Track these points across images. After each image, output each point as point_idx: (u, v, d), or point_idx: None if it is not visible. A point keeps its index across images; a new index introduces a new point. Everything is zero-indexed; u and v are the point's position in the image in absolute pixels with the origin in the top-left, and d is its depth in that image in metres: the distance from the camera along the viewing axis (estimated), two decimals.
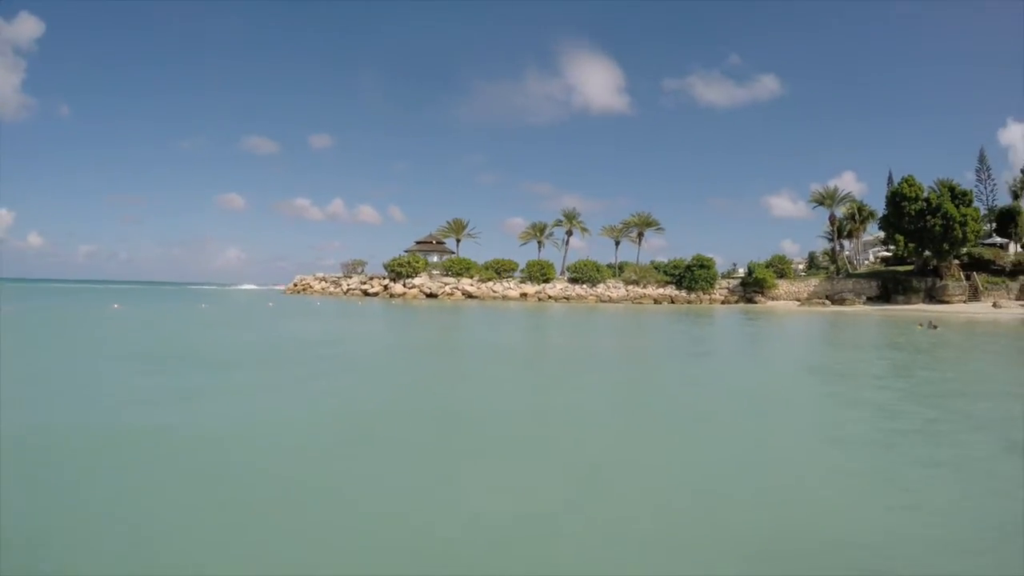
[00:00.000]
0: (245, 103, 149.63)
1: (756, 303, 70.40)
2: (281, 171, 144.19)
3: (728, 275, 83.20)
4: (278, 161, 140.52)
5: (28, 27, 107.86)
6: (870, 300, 65.10)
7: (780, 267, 74.62)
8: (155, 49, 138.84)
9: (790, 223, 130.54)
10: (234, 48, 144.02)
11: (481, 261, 79.22)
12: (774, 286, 72.04)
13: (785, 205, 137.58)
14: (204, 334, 25.14)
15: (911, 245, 61.60)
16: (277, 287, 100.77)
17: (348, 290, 77.48)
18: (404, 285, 74.67)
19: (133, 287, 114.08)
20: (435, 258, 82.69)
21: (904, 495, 6.37)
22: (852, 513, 5.80)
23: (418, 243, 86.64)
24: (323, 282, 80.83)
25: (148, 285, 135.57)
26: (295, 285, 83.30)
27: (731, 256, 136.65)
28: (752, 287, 72.78)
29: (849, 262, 75.95)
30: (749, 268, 74.63)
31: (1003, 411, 10.93)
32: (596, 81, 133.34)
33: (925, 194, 60.77)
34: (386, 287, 75.33)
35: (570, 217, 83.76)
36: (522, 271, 77.58)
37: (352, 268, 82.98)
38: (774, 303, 69.64)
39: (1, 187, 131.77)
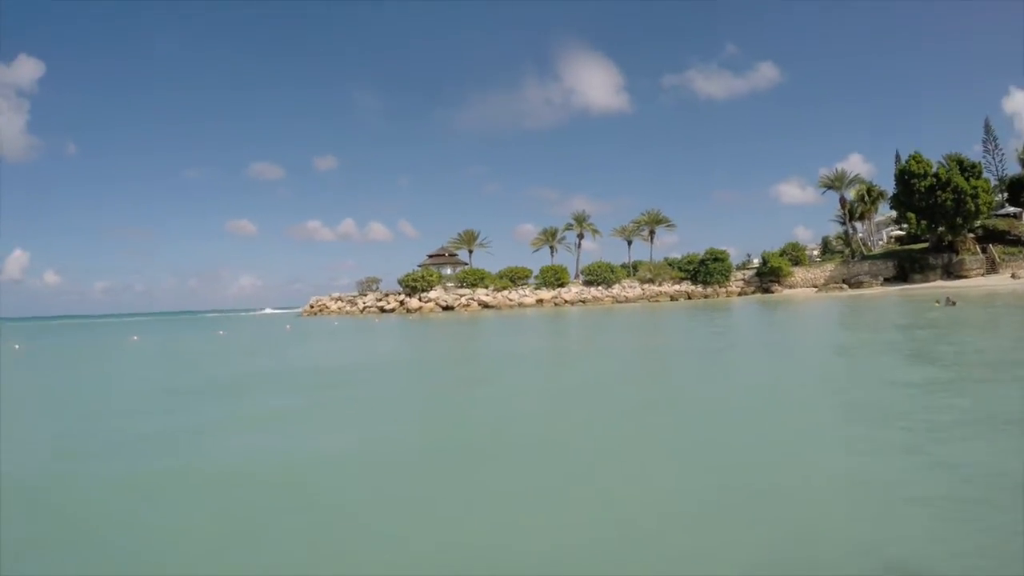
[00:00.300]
0: (248, 130, 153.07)
1: (773, 292, 71.45)
2: (289, 195, 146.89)
3: (743, 266, 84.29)
4: (285, 185, 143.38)
5: (28, 68, 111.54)
6: (887, 281, 65.81)
7: (794, 254, 75.53)
8: (155, 82, 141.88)
9: (801, 209, 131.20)
10: (232, 76, 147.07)
11: (495, 270, 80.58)
12: (790, 274, 72.94)
13: (794, 192, 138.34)
14: (223, 362, 25.36)
15: (923, 222, 62.19)
16: (294, 310, 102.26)
17: (364, 308, 78.94)
18: (420, 299, 75.94)
19: (150, 319, 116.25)
20: (449, 270, 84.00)
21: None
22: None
23: (431, 257, 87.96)
24: (339, 302, 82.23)
25: (165, 316, 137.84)
26: (311, 307, 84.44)
27: (745, 247, 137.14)
28: (768, 276, 73.69)
29: (863, 244, 76.62)
30: (763, 258, 75.70)
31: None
32: (594, 82, 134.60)
33: (934, 170, 61.52)
34: (402, 302, 76.62)
35: (580, 220, 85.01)
36: (536, 277, 78.78)
37: (367, 286, 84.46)
38: (791, 291, 70.54)
39: (15, 228, 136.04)
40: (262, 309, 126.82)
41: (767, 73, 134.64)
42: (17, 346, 38.50)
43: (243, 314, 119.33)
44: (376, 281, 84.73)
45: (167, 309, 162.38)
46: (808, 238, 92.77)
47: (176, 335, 51.05)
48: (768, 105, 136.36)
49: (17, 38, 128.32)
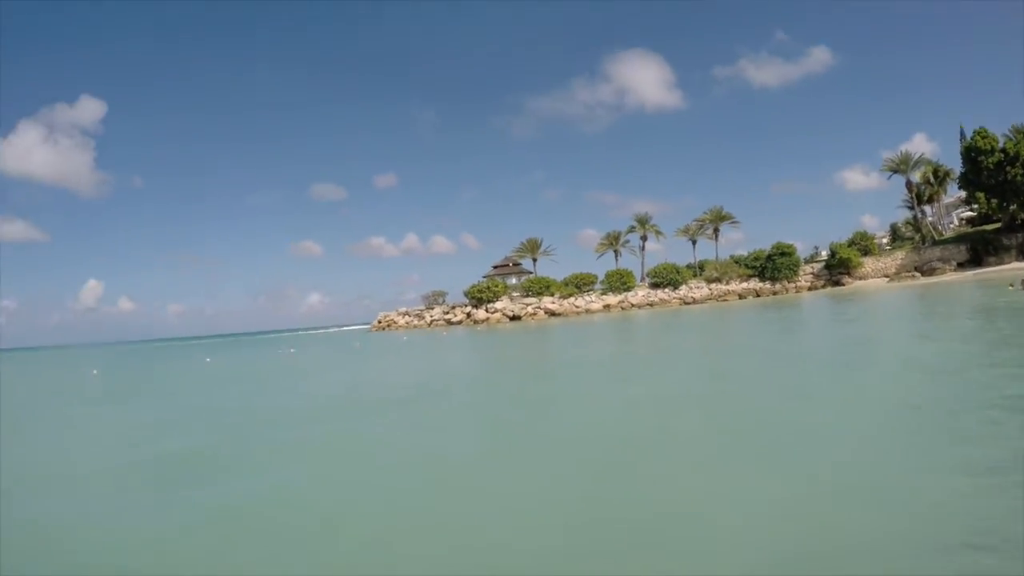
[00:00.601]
0: (308, 153, 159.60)
1: (843, 285, 71.64)
2: (352, 214, 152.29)
3: (811, 259, 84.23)
4: (348, 205, 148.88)
5: (91, 108, 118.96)
6: (960, 266, 65.16)
7: (863, 244, 75.45)
8: (213, 112, 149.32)
9: (867, 196, 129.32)
10: (288, 100, 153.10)
11: (560, 277, 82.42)
12: (859, 264, 72.95)
13: (858, 179, 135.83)
14: (293, 382, 25.09)
15: (994, 201, 61.62)
16: (362, 326, 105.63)
17: (432, 321, 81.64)
18: (486, 310, 78.21)
19: (223, 340, 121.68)
20: (514, 280, 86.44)
21: None
22: None
23: (495, 267, 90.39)
24: (406, 316, 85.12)
25: (236, 336, 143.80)
26: (379, 322, 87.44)
27: (812, 240, 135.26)
28: (837, 269, 73.82)
29: (934, 228, 75.87)
30: (831, 249, 75.69)
31: None
32: (646, 80, 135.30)
33: (1001, 144, 60.47)
34: (469, 314, 79.06)
35: (642, 222, 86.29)
36: (602, 282, 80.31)
37: (433, 299, 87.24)
38: (862, 282, 70.71)
39: (89, 260, 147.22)
40: (331, 327, 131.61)
41: (820, 57, 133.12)
42: (95, 371, 41.00)
43: (311, 332, 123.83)
44: (442, 294, 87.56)
45: (238, 330, 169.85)
46: (875, 226, 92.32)
47: (247, 355, 52.92)
48: (824, 90, 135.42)
49: (79, 80, 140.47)
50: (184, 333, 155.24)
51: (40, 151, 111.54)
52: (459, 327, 74.10)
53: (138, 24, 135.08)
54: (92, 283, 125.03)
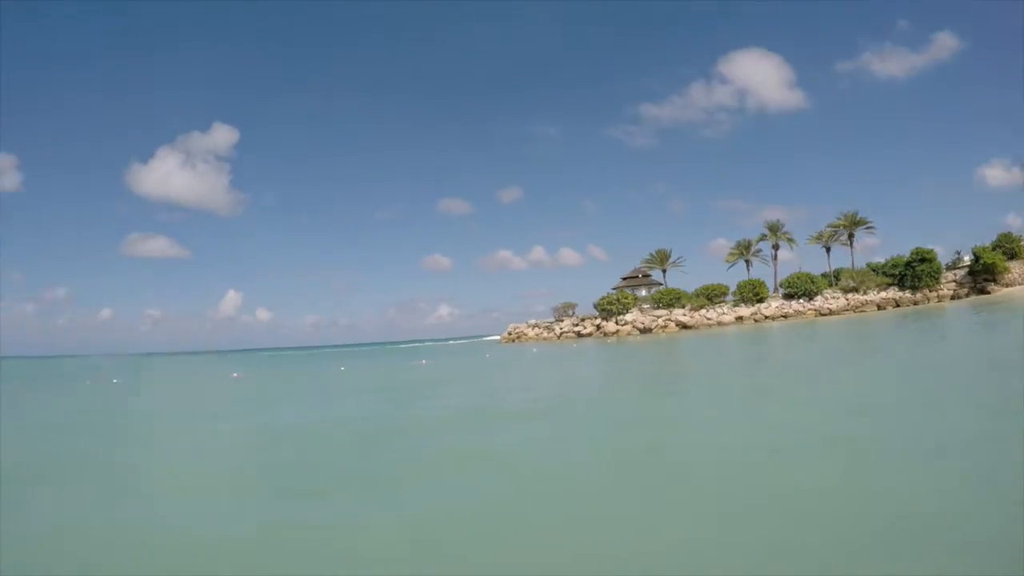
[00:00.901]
0: (434, 169, 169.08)
1: (989, 293, 69.62)
2: (478, 228, 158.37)
3: (953, 266, 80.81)
4: (474, 219, 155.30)
5: (223, 135, 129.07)
6: None
7: (1008, 247, 72.81)
8: (338, 133, 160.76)
9: (1010, 194, 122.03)
10: (415, 118, 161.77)
11: (690, 289, 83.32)
12: (1006, 270, 70.56)
13: (998, 175, 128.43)
14: (428, 392, 25.80)
15: None
16: (491, 338, 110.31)
17: (561, 334, 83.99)
18: (616, 322, 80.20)
19: (356, 349, 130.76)
20: (643, 292, 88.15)
21: None
22: None
23: (624, 279, 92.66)
24: (536, 328, 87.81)
25: (368, 347, 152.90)
26: (509, 334, 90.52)
27: (952, 243, 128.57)
28: (982, 275, 71.57)
29: None
30: (975, 253, 72.93)
31: None
32: (766, 80, 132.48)
33: None
34: (598, 326, 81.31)
35: (774, 229, 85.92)
36: (734, 293, 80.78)
37: (563, 311, 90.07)
38: (1009, 290, 68.73)
39: (229, 272, 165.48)
40: (460, 338, 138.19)
41: (946, 43, 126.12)
42: (236, 374, 45.40)
43: (441, 344, 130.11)
44: (571, 306, 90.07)
45: (369, 340, 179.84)
46: (1021, 227, 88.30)
47: (380, 364, 54.72)
48: (952, 78, 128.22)
49: (211, 110, 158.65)
50: (318, 342, 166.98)
51: (179, 175, 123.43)
52: (588, 339, 76.54)
53: (265, 53, 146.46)
54: (231, 294, 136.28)
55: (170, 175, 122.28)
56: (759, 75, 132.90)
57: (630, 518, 7.12)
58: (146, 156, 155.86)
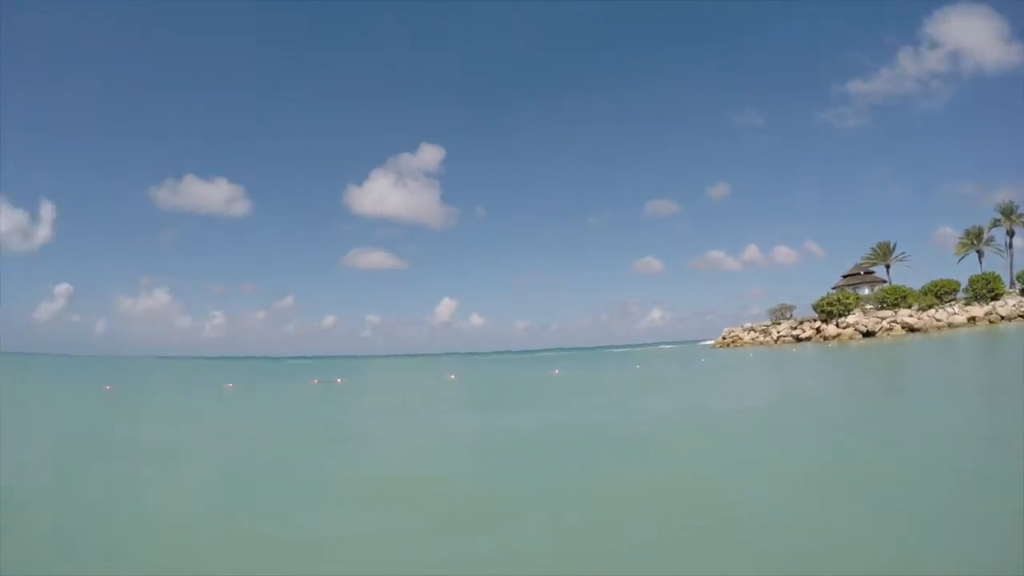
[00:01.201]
0: (640, 170, 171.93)
1: None
2: (687, 228, 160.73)
3: None
4: (682, 219, 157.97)
5: (431, 154, 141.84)
6: None
7: None
8: (537, 145, 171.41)
9: None
10: (616, 124, 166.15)
11: (917, 286, 79.80)
12: None
13: None
14: (648, 396, 26.19)
15: None
16: (705, 342, 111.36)
17: (779, 337, 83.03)
18: (837, 325, 78.07)
19: (566, 353, 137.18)
20: (866, 290, 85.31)
21: None
22: None
23: (845, 277, 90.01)
24: (751, 332, 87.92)
25: (579, 351, 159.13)
26: (724, 338, 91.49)
27: None
28: None
29: None
30: None
31: None
32: (980, 37, 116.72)
33: None
34: (818, 330, 79.52)
35: (1008, 213, 79.71)
36: (965, 290, 76.26)
37: (779, 314, 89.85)
38: None
39: (444, 281, 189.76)
40: (672, 342, 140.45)
41: None
42: (452, 376, 48.63)
43: (653, 347, 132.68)
44: (789, 308, 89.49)
45: (581, 344, 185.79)
46: None
47: (594, 368, 54.81)
48: None
49: (418, 131, 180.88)
50: (530, 346, 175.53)
51: (393, 194, 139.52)
52: (807, 344, 75.56)
53: (464, 70, 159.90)
54: (446, 301, 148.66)
55: (385, 194, 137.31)
56: (971, 32, 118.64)
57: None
58: (361, 179, 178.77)
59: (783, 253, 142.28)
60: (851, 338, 75.10)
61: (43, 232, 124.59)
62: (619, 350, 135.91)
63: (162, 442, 16.33)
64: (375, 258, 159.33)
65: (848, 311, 79.15)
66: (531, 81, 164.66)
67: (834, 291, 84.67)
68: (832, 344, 70.26)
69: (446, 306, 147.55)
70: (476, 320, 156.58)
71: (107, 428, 19.70)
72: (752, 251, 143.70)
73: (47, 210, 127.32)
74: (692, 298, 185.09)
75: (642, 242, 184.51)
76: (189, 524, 8.45)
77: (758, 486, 9.23)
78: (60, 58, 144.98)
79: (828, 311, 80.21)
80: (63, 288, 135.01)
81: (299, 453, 14.31)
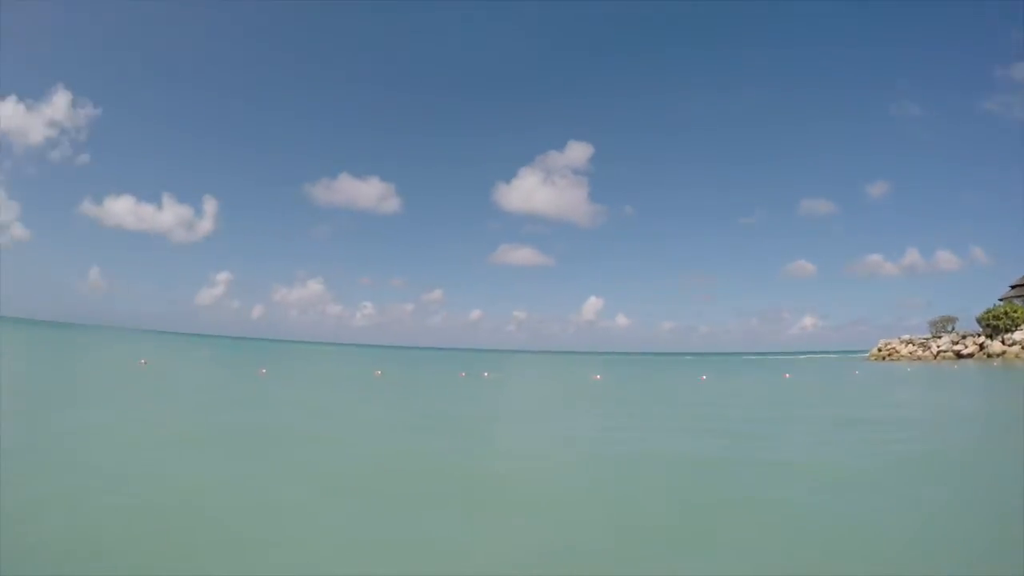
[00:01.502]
0: (793, 166, 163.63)
1: None
2: (843, 230, 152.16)
3: None
4: (838, 220, 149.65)
5: (580, 151, 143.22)
6: None
7: None
8: (693, 138, 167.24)
9: None
10: (767, 116, 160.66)
11: None
12: None
13: None
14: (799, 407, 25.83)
15: None
16: (858, 354, 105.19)
17: (939, 353, 77.81)
18: (1003, 341, 72.37)
19: (712, 358, 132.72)
20: None
21: None
22: None
23: (1013, 287, 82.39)
24: (910, 345, 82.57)
25: (725, 356, 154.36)
26: (879, 350, 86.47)
27: None
28: None
29: None
30: None
31: None
32: None
33: None
34: (981, 346, 74.12)
35: None
36: None
37: (940, 326, 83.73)
38: None
39: (590, 280, 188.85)
40: (824, 352, 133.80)
41: None
42: (598, 376, 47.94)
43: (804, 357, 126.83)
44: (951, 320, 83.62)
45: (727, 350, 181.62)
46: None
47: (740, 375, 53.72)
48: None
49: (565, 129, 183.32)
50: (674, 349, 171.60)
51: (541, 191, 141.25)
52: (969, 361, 70.80)
53: (613, 64, 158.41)
54: (593, 299, 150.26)
55: (533, 192, 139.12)
56: None
57: None
58: (509, 176, 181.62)
59: (945, 259, 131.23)
60: (1017, 356, 69.38)
61: (205, 225, 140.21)
62: (769, 357, 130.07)
63: (313, 430, 16.31)
64: (523, 255, 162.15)
65: (1016, 326, 72.68)
66: (682, 77, 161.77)
67: (1001, 303, 78.31)
68: (996, 362, 64.96)
69: (592, 304, 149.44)
70: (621, 320, 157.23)
71: (260, 414, 19.58)
72: (913, 255, 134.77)
73: (210, 205, 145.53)
74: (847, 305, 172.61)
75: (795, 244, 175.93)
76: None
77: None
78: (220, 62, 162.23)
79: (994, 325, 74.47)
80: (224, 276, 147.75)
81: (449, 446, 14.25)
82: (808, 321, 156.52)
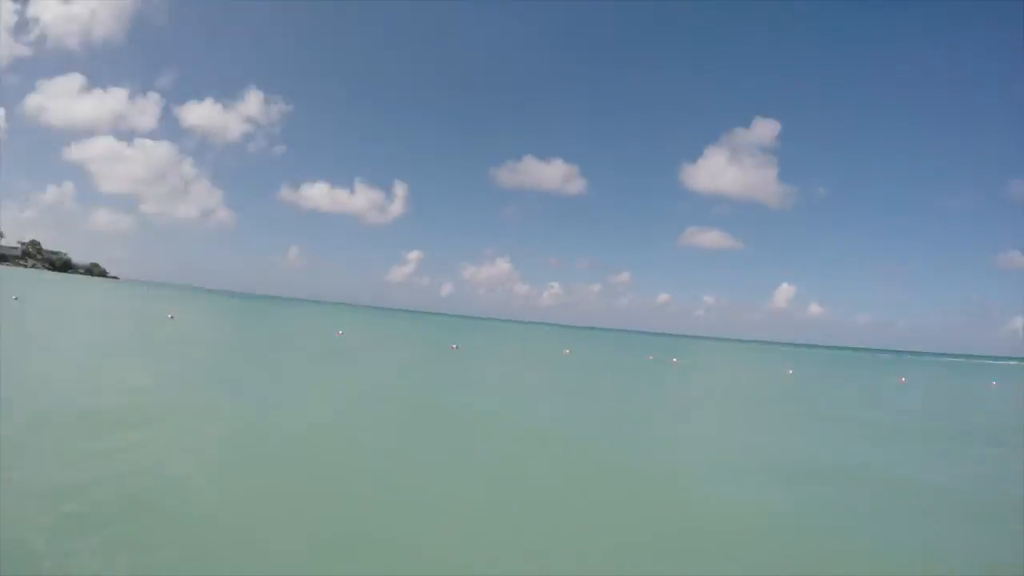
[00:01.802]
0: (1002, 144, 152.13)
1: None
2: None
3: None
4: None
5: (766, 129, 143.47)
6: None
7: None
8: (886, 112, 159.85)
9: None
10: (975, 80, 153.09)
11: None
12: None
13: None
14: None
15: None
16: None
17: None
18: None
19: (912, 358, 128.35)
20: None
21: None
22: None
23: None
24: None
25: (929, 357, 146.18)
26: None
27: None
28: None
29: None
30: None
31: None
32: None
33: None
34: None
35: None
36: None
37: None
38: None
39: (781, 264, 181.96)
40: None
41: None
42: (790, 371, 47.58)
43: (1012, 362, 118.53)
44: None
45: (930, 350, 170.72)
46: None
47: (943, 380, 51.57)
48: None
49: (750, 105, 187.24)
50: (871, 344, 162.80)
51: (727, 171, 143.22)
52: None
53: (798, 37, 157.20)
54: (784, 286, 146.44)
55: (720, 171, 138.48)
56: None
57: None
58: (695, 155, 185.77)
59: None
60: None
61: (396, 208, 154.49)
62: (976, 361, 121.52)
63: (489, 409, 17.21)
64: (711, 237, 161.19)
65: None
66: (876, 46, 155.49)
67: None
68: None
69: (784, 292, 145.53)
70: (815, 309, 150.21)
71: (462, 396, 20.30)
72: None
73: (400, 189, 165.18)
74: None
75: (1006, 231, 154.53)
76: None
77: None
78: (407, 56, 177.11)
79: None
80: (415, 255, 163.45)
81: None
82: (1019, 322, 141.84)
